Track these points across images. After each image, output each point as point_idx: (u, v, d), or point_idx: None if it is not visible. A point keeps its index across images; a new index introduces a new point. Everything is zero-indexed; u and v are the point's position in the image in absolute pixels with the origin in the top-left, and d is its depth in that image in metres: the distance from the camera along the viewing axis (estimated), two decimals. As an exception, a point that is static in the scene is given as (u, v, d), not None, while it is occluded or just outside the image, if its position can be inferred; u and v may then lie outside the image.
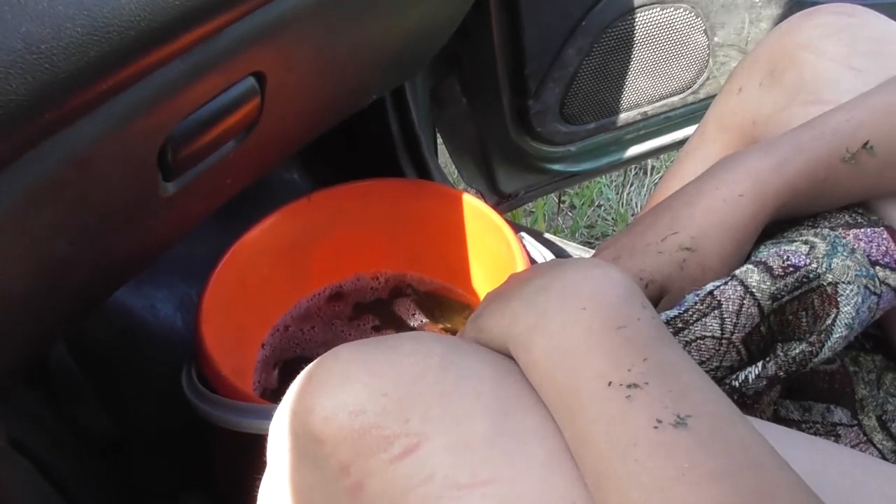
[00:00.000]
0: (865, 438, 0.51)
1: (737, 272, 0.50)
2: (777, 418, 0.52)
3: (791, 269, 0.49)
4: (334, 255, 0.92)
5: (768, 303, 0.49)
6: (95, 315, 0.88)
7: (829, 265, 0.49)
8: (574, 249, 1.07)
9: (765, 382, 0.49)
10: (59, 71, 0.38)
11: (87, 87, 0.40)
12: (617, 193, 1.56)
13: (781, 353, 0.49)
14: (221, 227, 0.88)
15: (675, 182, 0.76)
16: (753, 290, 0.49)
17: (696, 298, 0.50)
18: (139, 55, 0.42)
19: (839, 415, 0.51)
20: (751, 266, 0.50)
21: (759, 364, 0.49)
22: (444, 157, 1.25)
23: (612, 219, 1.52)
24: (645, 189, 1.56)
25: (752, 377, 0.49)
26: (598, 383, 0.37)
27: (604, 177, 1.56)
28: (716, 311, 0.49)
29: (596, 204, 1.55)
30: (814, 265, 0.49)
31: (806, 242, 0.51)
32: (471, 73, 1.04)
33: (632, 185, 1.57)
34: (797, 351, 0.48)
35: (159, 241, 0.63)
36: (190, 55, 0.46)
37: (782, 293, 0.49)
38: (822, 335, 0.48)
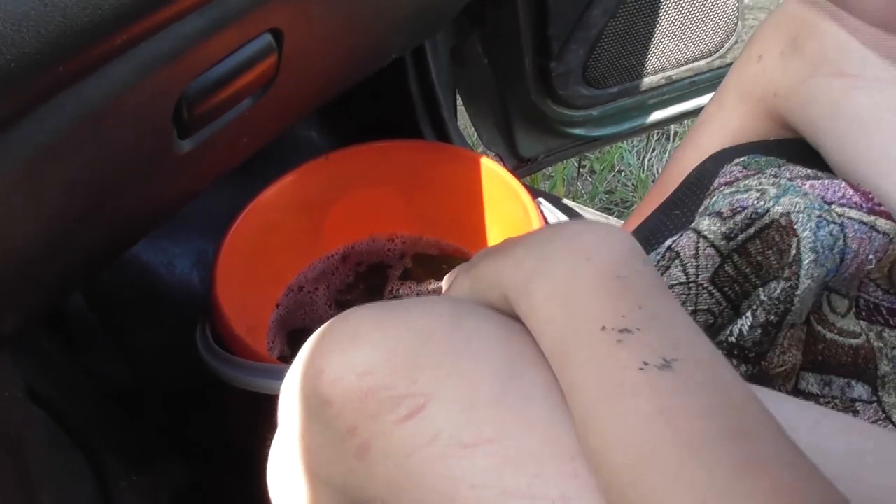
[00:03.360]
0: (884, 415, 0.50)
1: (691, 224, 0.53)
2: (796, 391, 0.52)
3: (739, 209, 0.51)
4: (350, 215, 0.92)
5: (723, 242, 0.51)
6: (113, 269, 0.88)
7: (778, 201, 0.50)
8: (592, 215, 1.06)
9: (759, 332, 0.49)
10: (72, 23, 0.37)
11: (101, 39, 0.39)
12: (638, 159, 1.54)
13: (765, 298, 0.50)
14: (239, 185, 0.87)
15: (692, 151, 0.75)
16: (705, 232, 0.51)
17: (657, 256, 0.51)
18: (155, 8, 0.41)
19: (859, 390, 0.51)
20: (702, 217, 0.53)
21: (749, 314, 0.50)
22: (463, 119, 1.23)
23: (633, 185, 1.51)
24: (667, 155, 1.54)
25: (745, 329, 0.50)
26: (592, 327, 0.37)
27: (625, 142, 1.54)
28: (677, 261, 0.52)
29: (616, 169, 1.53)
30: (762, 203, 0.51)
31: (759, 190, 0.52)
32: (493, 33, 1.02)
33: (653, 151, 1.55)
34: (778, 290, 0.49)
35: (174, 199, 0.63)
36: (207, 9, 0.45)
37: (734, 232, 0.51)
38: (794, 266, 0.49)
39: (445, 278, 0.50)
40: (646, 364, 0.34)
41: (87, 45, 0.39)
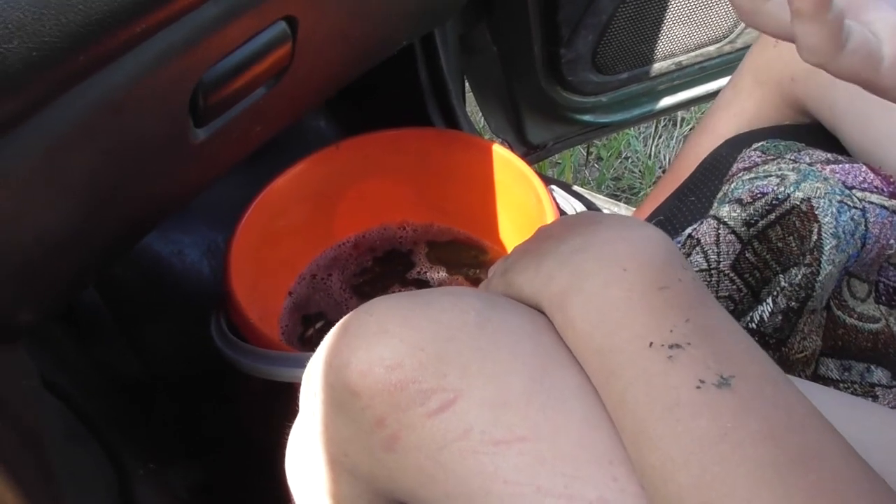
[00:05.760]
0: (904, 400, 0.50)
1: (711, 211, 0.53)
2: (816, 376, 0.51)
3: (759, 195, 0.51)
4: (361, 203, 0.92)
5: (743, 229, 0.51)
6: (124, 259, 0.88)
7: (798, 187, 0.50)
8: (602, 203, 1.06)
9: (780, 318, 0.49)
10: (91, 12, 0.37)
11: (119, 28, 0.39)
12: (645, 145, 1.53)
13: (786, 284, 0.50)
14: (249, 174, 0.87)
15: (707, 137, 0.74)
16: (725, 219, 0.52)
17: (678, 244, 0.51)
18: (172, -3, 0.41)
19: (879, 375, 0.51)
20: (721, 203, 0.53)
21: (769, 301, 0.50)
22: (471, 105, 1.23)
23: (640, 171, 1.50)
24: (674, 141, 1.53)
25: (766, 315, 0.50)
26: (638, 344, 0.36)
27: (632, 128, 1.53)
28: (697, 248, 0.52)
29: (623, 156, 1.53)
30: (782, 188, 0.51)
31: (779, 175, 0.52)
32: (502, 20, 1.02)
33: (660, 137, 1.54)
34: (799, 277, 0.49)
35: (189, 187, 0.62)
36: (222, -3, 0.45)
37: (754, 218, 0.51)
38: (815, 252, 0.49)
39: (483, 284, 0.50)
40: (702, 382, 0.34)
41: (106, 34, 0.39)
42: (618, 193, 1.48)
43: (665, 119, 1.56)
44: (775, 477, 0.31)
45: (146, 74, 0.43)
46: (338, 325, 0.42)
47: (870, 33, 0.33)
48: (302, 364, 0.45)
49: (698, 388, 0.34)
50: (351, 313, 0.42)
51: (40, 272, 0.47)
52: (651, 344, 0.36)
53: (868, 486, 0.32)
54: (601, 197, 1.09)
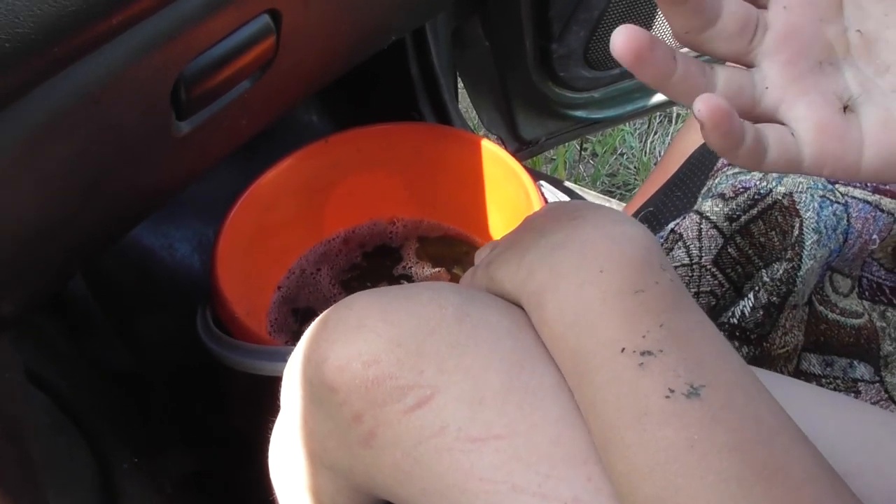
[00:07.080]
0: (886, 396, 0.50)
1: (695, 206, 0.53)
2: (798, 372, 0.51)
3: (742, 189, 0.51)
4: (350, 198, 0.91)
5: (726, 224, 0.51)
6: (114, 253, 0.88)
7: (780, 181, 0.50)
8: (595, 199, 1.06)
9: (762, 313, 0.49)
10: (67, 3, 0.37)
11: (97, 20, 0.39)
12: (640, 141, 1.53)
13: (768, 279, 0.50)
14: (239, 168, 0.87)
15: (695, 132, 0.74)
16: (708, 214, 0.52)
17: (661, 239, 0.51)
18: (151, -12, 0.41)
19: (861, 370, 0.51)
20: (705, 198, 0.53)
21: (751, 296, 0.50)
22: (464, 101, 1.23)
23: (635, 167, 1.50)
24: (669, 137, 1.53)
25: (747, 310, 0.50)
26: (610, 349, 0.36)
27: (627, 124, 1.53)
28: (680, 243, 0.52)
29: (619, 152, 1.53)
30: (764, 183, 0.51)
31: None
32: (494, 14, 1.01)
33: (655, 133, 1.54)
34: (781, 271, 0.49)
35: (173, 181, 0.62)
36: (203, -10, 0.45)
37: (737, 213, 0.51)
38: (797, 247, 0.49)
39: (468, 272, 0.49)
40: (672, 391, 0.33)
41: (83, 26, 0.38)
42: (612, 190, 1.48)
43: (660, 115, 1.56)
44: (739, 491, 0.31)
45: (126, 66, 0.43)
46: (318, 319, 0.42)
47: (791, 136, 0.34)
48: (285, 358, 0.45)
49: (668, 397, 0.33)
50: (331, 308, 0.42)
51: (19, 265, 0.47)
52: (623, 350, 0.35)
53: (833, 500, 0.31)
54: (594, 193, 1.09)
